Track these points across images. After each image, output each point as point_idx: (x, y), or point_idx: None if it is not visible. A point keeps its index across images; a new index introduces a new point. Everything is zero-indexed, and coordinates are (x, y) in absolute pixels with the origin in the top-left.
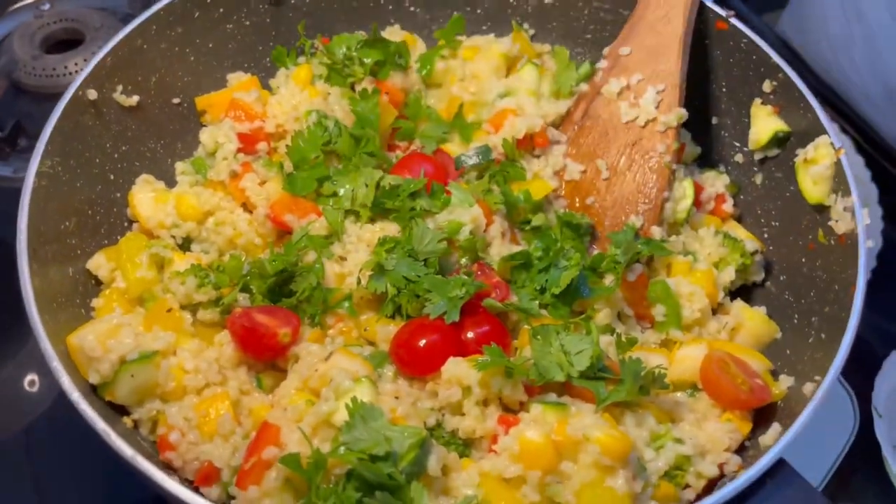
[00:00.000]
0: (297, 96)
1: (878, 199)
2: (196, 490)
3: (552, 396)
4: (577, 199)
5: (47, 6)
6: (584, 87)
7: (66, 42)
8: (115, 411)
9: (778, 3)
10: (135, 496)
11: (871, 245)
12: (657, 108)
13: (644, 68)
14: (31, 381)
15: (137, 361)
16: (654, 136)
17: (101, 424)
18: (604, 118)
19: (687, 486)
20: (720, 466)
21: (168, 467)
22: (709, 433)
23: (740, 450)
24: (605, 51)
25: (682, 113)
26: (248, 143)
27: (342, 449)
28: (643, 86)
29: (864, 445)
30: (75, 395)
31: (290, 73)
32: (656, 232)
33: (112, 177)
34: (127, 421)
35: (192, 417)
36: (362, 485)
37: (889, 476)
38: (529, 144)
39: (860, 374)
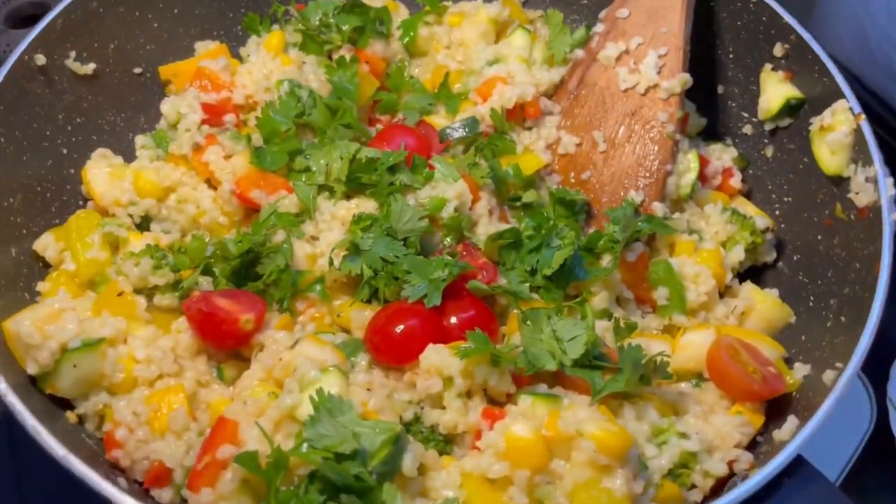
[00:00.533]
0: (269, 65)
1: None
2: (146, 493)
3: (543, 387)
4: (573, 174)
5: None
6: (579, 53)
7: (33, 17)
8: (58, 406)
9: None
10: None
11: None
12: (659, 73)
13: (644, 31)
14: None
15: (80, 350)
16: (655, 105)
17: (30, 420)
18: (601, 86)
19: (693, 486)
20: (730, 464)
21: (115, 468)
22: (717, 427)
23: (752, 446)
24: (602, 14)
25: (687, 78)
26: (213, 114)
27: (305, 446)
28: (643, 50)
29: (881, 439)
30: (2, 387)
31: (261, 41)
32: (658, 208)
33: (65, 151)
34: (71, 416)
35: (142, 412)
36: (327, 487)
37: None
38: (520, 115)
39: (876, 364)
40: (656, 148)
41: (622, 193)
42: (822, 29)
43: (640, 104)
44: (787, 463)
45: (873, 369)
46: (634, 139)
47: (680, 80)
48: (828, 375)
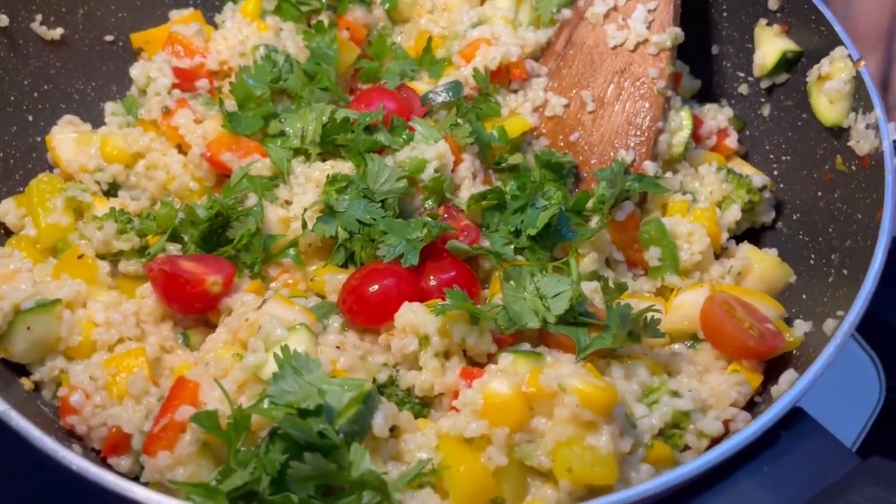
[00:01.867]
0: (245, 30)
1: None
2: (103, 462)
3: (525, 346)
4: (561, 137)
5: None
6: (566, 13)
7: None
8: (14, 371)
9: None
10: None
11: None
12: (649, 28)
13: None
14: None
15: (34, 310)
16: (645, 61)
17: None
18: (589, 44)
19: (686, 447)
20: (725, 424)
21: (72, 435)
22: (711, 386)
23: (750, 406)
24: None
25: (678, 32)
26: (186, 79)
27: (266, 402)
28: (632, 4)
29: (888, 419)
30: None
31: (237, 8)
32: (650, 167)
33: (31, 118)
34: (27, 383)
35: (100, 376)
36: (290, 446)
37: None
38: (505, 77)
39: (889, 345)
40: (647, 105)
41: (612, 154)
42: None
43: (630, 61)
44: (783, 414)
45: (886, 353)
46: (624, 97)
47: (671, 34)
48: (828, 325)
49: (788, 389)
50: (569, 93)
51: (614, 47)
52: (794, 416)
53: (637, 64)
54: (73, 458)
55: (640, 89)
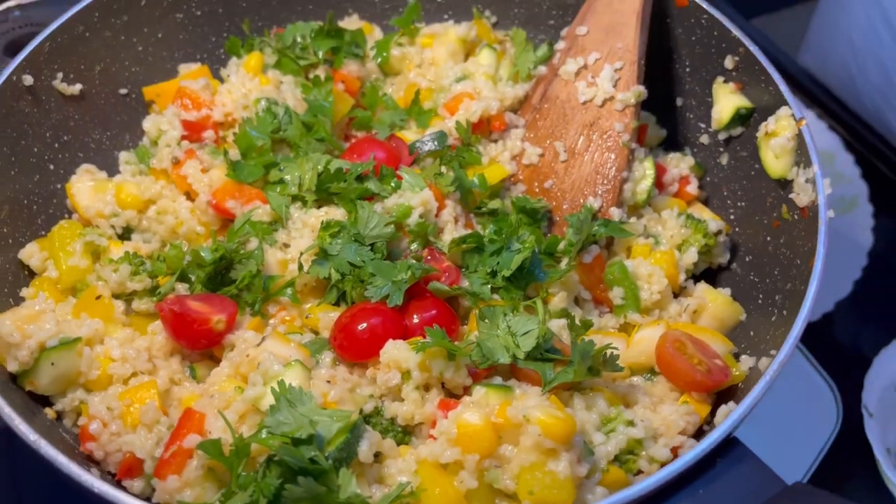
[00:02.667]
0: (248, 84)
1: (868, 197)
2: (118, 484)
3: (497, 380)
4: (536, 184)
5: (16, 13)
6: (542, 69)
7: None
8: (38, 402)
9: (766, 8)
10: None
11: (831, 215)
12: (615, 86)
13: (601, 47)
14: None
15: (58, 348)
16: (612, 115)
17: (5, 409)
18: (561, 99)
19: (639, 472)
20: (674, 451)
21: (90, 460)
22: (663, 416)
23: (699, 434)
24: (563, 32)
25: (641, 90)
26: (193, 130)
27: (264, 433)
28: (600, 64)
29: (850, 447)
30: None
31: (240, 63)
32: (615, 213)
33: (52, 167)
34: (49, 412)
35: (116, 407)
36: (285, 471)
37: (881, 476)
38: (486, 128)
39: (846, 373)
40: (613, 156)
41: (582, 200)
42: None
43: (598, 115)
44: (718, 442)
45: (844, 380)
46: (593, 148)
47: (634, 91)
48: (763, 363)
49: (723, 421)
50: (543, 143)
51: (584, 102)
52: (729, 445)
53: (605, 118)
54: (95, 482)
55: (606, 142)
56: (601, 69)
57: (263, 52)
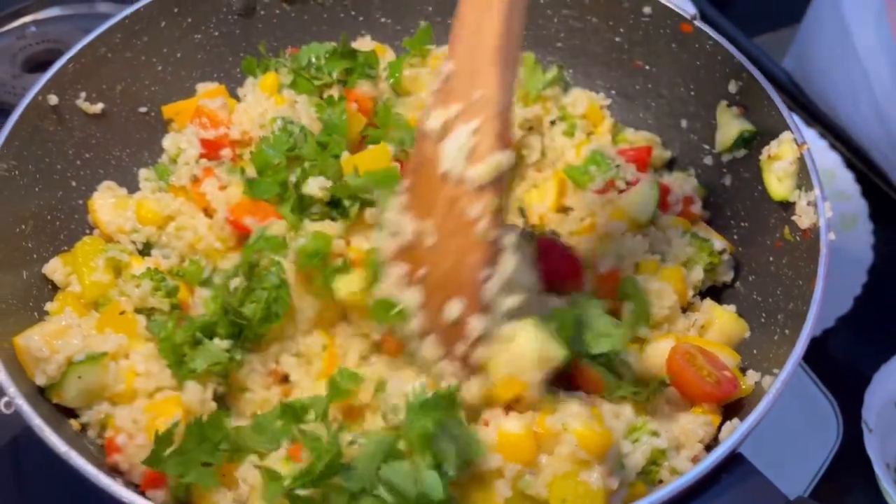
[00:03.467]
0: (264, 104)
1: (868, 215)
2: (142, 496)
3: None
4: (411, 269)
5: (33, 29)
6: (550, 91)
7: (47, 63)
8: (63, 414)
9: (758, 29)
10: None
11: (832, 237)
12: (468, 157)
13: (463, 94)
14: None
15: (85, 362)
16: (468, 196)
17: (35, 420)
18: (428, 164)
19: (660, 481)
20: (694, 460)
21: (115, 471)
22: (682, 425)
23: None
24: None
25: (501, 160)
26: (211, 149)
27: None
28: (455, 123)
29: (851, 462)
30: (11, 391)
31: (257, 83)
32: (477, 324)
33: (74, 183)
34: (74, 424)
35: (141, 420)
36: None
37: (882, 493)
38: None
39: (846, 389)
40: (472, 250)
41: (442, 302)
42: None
43: (459, 192)
44: (723, 458)
45: (845, 396)
46: (459, 235)
47: (490, 164)
48: (766, 381)
49: (728, 437)
50: (420, 217)
51: (442, 174)
52: (734, 461)
53: (464, 198)
54: (123, 493)
55: (465, 229)
56: (452, 131)
57: (279, 72)
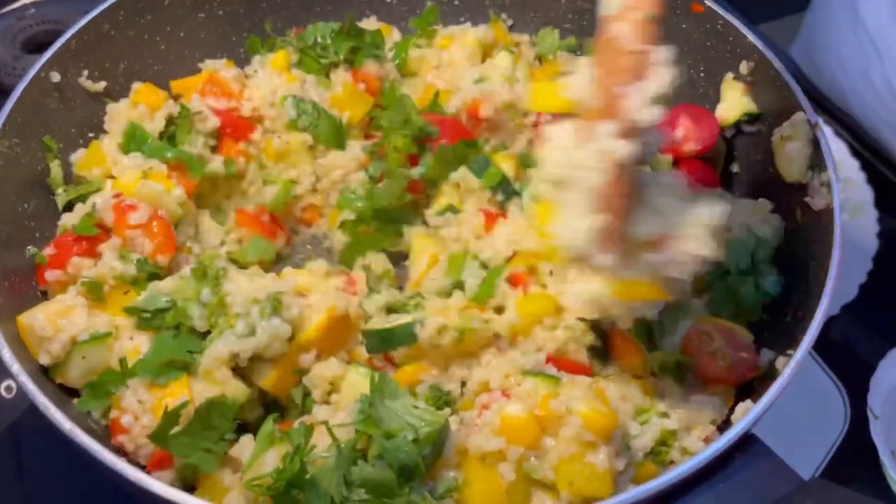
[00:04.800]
0: (275, 80)
1: (873, 203)
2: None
3: (550, 369)
4: None
5: (32, 10)
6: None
7: (49, 44)
8: (68, 394)
9: (765, 16)
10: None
11: (846, 219)
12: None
13: None
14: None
15: (89, 342)
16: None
17: (40, 398)
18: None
19: (671, 462)
20: (706, 440)
21: (121, 452)
22: (694, 405)
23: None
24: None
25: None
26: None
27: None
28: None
29: (857, 449)
30: (15, 368)
31: (265, 60)
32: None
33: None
34: (84, 390)
35: (147, 400)
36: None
37: (886, 479)
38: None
39: (853, 376)
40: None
41: None
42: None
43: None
44: (736, 438)
45: (851, 384)
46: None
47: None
48: (780, 362)
49: (742, 418)
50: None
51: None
52: (747, 441)
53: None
54: (128, 470)
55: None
56: None
57: (287, 50)
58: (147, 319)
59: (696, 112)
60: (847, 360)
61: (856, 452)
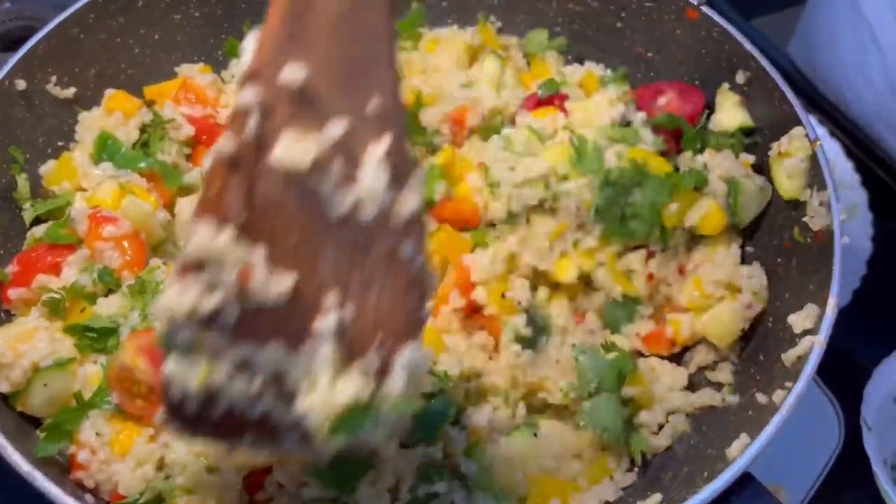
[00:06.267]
0: None
1: (868, 205)
2: None
3: None
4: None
5: (7, 5)
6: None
7: (24, 40)
8: (30, 424)
9: (763, 10)
10: None
11: (846, 241)
12: (388, 185)
13: (342, 105)
14: None
15: (52, 368)
16: (392, 236)
17: None
18: (290, 212)
19: None
20: None
21: (81, 488)
22: None
23: (706, 463)
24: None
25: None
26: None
27: None
28: (357, 144)
29: (852, 460)
30: None
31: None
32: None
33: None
34: (42, 434)
35: (106, 433)
36: None
37: (879, 492)
38: None
39: (846, 385)
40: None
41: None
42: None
43: (370, 238)
44: (734, 479)
45: (844, 393)
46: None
47: (416, 189)
48: (777, 395)
49: (738, 457)
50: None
51: (340, 219)
52: (743, 481)
53: (382, 237)
54: None
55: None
56: (362, 155)
57: None
58: (93, 340)
59: (683, 88)
60: (840, 368)
61: (851, 465)
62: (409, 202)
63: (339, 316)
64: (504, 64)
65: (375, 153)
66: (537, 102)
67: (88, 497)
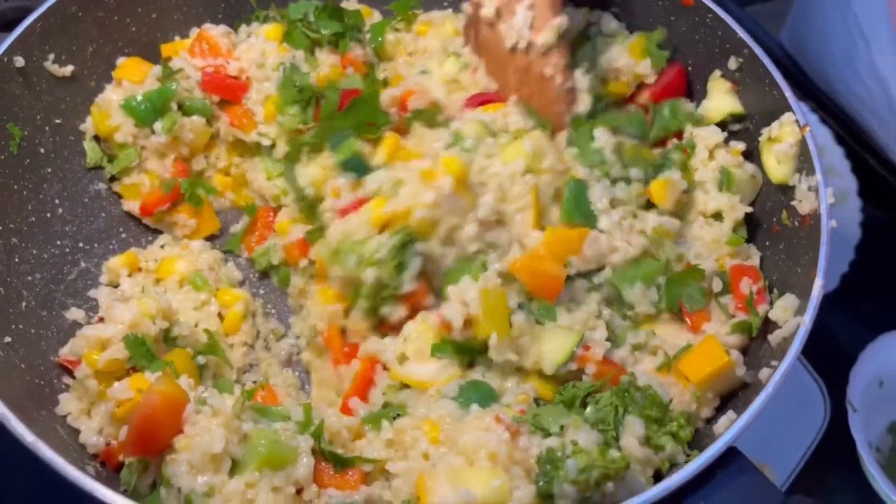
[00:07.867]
0: (266, 45)
1: (857, 191)
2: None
3: None
4: None
5: None
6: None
7: (19, 21)
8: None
9: None
10: None
11: (834, 225)
12: (531, 28)
13: None
14: None
15: None
16: (540, 61)
17: (0, 408)
18: (492, 47)
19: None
20: None
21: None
22: None
23: (697, 441)
24: None
25: (559, 23)
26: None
27: None
28: (511, 6)
29: (837, 441)
30: None
31: (251, 31)
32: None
33: (42, 150)
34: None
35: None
36: None
37: (864, 472)
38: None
39: (833, 368)
40: (556, 99)
41: None
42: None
43: (529, 61)
44: (719, 453)
45: (831, 376)
46: (536, 97)
47: (552, 29)
48: (764, 373)
49: (725, 432)
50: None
51: (511, 49)
52: (729, 456)
53: (536, 63)
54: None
55: (543, 85)
56: (513, 12)
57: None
58: None
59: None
60: (827, 352)
61: (836, 446)
62: (542, 37)
63: None
64: (466, 69)
65: (522, 10)
66: (482, 101)
67: (90, 468)
